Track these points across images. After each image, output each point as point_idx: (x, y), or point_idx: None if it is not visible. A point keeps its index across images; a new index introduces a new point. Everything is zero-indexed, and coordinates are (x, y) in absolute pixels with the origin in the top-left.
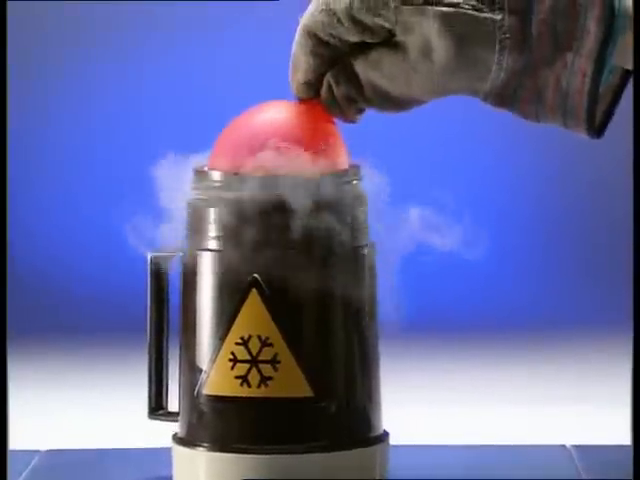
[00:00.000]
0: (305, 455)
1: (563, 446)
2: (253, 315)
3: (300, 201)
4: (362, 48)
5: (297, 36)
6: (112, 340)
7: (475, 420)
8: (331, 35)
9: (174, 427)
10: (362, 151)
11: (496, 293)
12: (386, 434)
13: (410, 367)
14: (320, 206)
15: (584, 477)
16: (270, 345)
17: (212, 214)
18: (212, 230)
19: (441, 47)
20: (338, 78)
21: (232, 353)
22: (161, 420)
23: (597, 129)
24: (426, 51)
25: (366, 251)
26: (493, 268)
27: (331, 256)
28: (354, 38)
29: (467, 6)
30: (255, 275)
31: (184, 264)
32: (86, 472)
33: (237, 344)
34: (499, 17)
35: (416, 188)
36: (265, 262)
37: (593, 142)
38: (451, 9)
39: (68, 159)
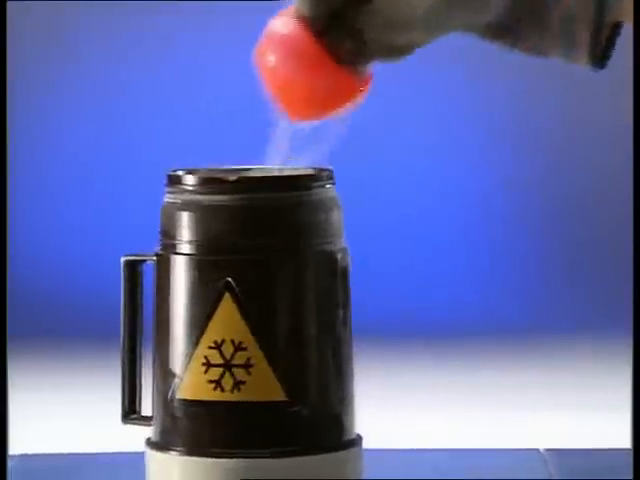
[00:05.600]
0: (278, 459)
1: (537, 450)
2: (226, 319)
3: (273, 205)
4: (360, 1)
5: None
6: (85, 344)
7: (449, 424)
8: None
9: (148, 431)
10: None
11: (481, 298)
12: (359, 438)
13: (387, 371)
14: (294, 210)
15: None
16: (244, 349)
17: (185, 218)
18: (185, 234)
19: None
20: (340, 34)
21: (205, 357)
22: (135, 424)
23: (600, 59)
24: None
25: (340, 256)
26: (483, 272)
27: (304, 260)
28: None
29: None
30: (228, 279)
31: (157, 268)
32: (59, 477)
33: (210, 348)
34: None
35: (403, 195)
36: (238, 266)
37: (590, 142)
38: None
39: (64, 164)
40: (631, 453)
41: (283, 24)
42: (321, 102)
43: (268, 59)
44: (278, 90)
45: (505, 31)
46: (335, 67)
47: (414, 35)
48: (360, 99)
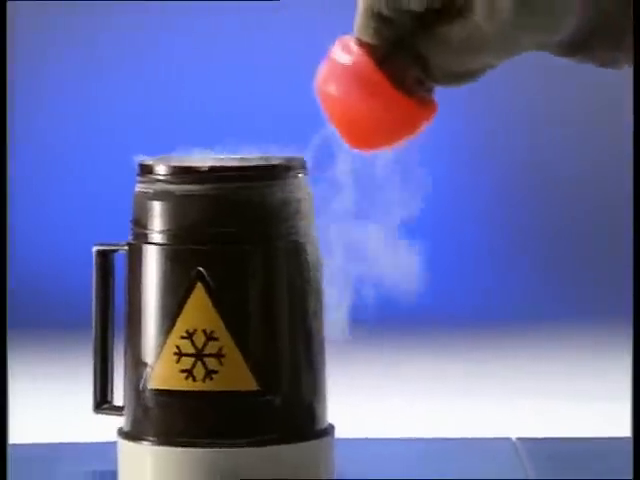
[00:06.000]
0: (250, 448)
1: (509, 439)
2: (198, 309)
3: (245, 195)
4: (426, 28)
5: (357, 21)
6: (57, 334)
7: (421, 413)
8: (394, 10)
9: (120, 421)
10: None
11: (464, 287)
12: (331, 427)
13: (361, 361)
14: (266, 200)
15: (528, 469)
16: (215, 339)
17: (158, 207)
18: (157, 224)
19: (508, 4)
20: (404, 63)
21: (177, 347)
22: (106, 414)
23: None
24: (493, 11)
25: (310, 245)
26: (466, 259)
27: (276, 250)
28: (418, 6)
29: None
30: (200, 269)
31: (129, 257)
32: (32, 467)
33: (182, 338)
34: None
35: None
36: (210, 256)
37: (589, 128)
38: None
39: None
40: (604, 441)
41: (344, 51)
42: (387, 132)
43: (330, 89)
44: (342, 121)
45: (577, 48)
46: (400, 96)
47: (482, 60)
48: (425, 127)
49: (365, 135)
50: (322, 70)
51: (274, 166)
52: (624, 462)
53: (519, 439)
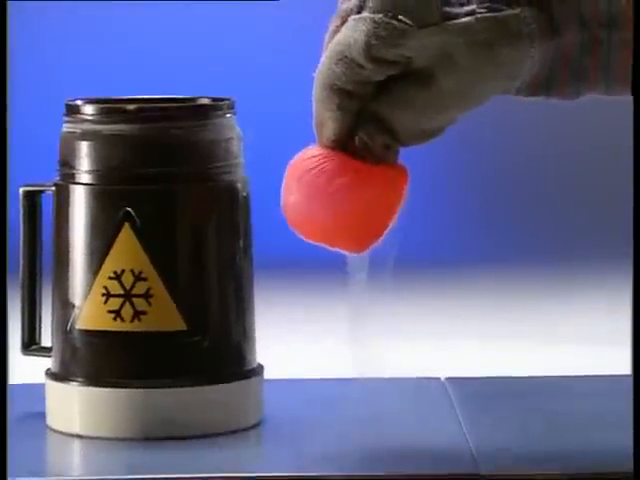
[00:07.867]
0: (179, 389)
1: (438, 379)
2: (126, 249)
3: (172, 134)
4: (387, 93)
5: (317, 94)
6: None
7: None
8: (354, 83)
9: (48, 362)
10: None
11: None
12: (260, 367)
13: (288, 301)
14: (193, 139)
15: (456, 407)
16: (143, 279)
17: (85, 148)
18: (85, 164)
19: (469, 60)
20: (370, 131)
21: (105, 287)
22: (34, 355)
23: None
24: (454, 68)
25: (240, 185)
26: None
27: (204, 190)
28: (379, 77)
29: (483, 10)
30: (128, 209)
31: (57, 198)
32: None
33: (110, 278)
34: (518, 10)
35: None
36: (137, 196)
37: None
38: (470, 18)
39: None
40: (526, 380)
41: (310, 159)
42: (383, 214)
43: (314, 206)
44: (343, 232)
45: (538, 88)
46: (374, 175)
47: (447, 116)
48: (405, 192)
49: (368, 230)
50: (294, 194)
51: (202, 106)
52: (550, 399)
53: (448, 379)
